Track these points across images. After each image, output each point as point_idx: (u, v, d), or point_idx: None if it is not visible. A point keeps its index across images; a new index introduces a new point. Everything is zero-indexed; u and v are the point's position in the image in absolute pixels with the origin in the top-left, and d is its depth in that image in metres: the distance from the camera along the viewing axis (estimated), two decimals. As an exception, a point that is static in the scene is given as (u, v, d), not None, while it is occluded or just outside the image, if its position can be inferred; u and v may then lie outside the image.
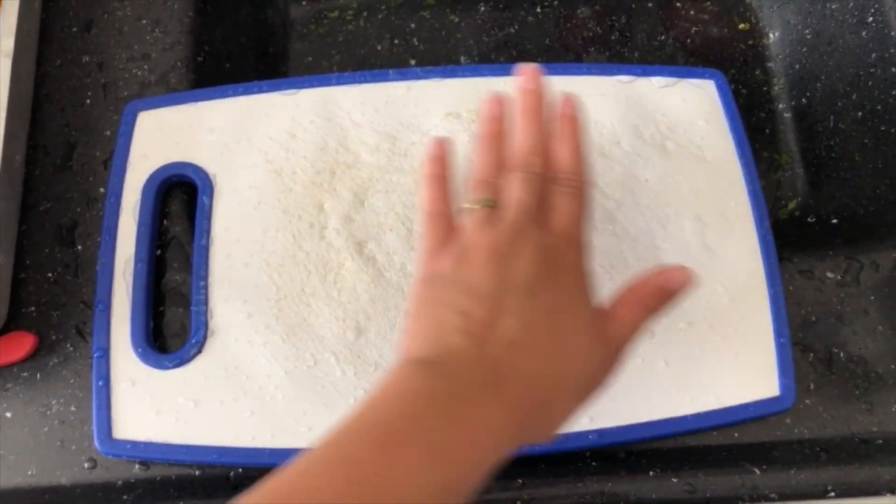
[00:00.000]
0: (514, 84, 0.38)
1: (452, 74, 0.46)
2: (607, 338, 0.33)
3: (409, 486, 0.27)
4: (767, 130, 0.56)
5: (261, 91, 0.45)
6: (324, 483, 0.26)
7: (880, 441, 0.39)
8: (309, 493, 0.26)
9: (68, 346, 0.41)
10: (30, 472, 0.39)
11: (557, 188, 0.36)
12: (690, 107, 0.46)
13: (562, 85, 0.46)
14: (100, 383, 0.39)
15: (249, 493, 0.26)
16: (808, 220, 0.51)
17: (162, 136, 0.44)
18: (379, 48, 0.58)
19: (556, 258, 0.34)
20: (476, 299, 0.32)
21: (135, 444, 0.38)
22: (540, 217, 0.35)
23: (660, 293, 0.35)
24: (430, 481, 0.27)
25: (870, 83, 0.50)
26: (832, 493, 0.37)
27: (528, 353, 0.31)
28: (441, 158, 0.38)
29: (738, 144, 0.45)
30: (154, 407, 0.38)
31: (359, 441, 0.28)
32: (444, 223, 0.36)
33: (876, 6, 0.50)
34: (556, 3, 0.59)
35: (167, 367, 0.39)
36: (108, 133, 0.46)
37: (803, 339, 0.42)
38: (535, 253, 0.33)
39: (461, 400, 0.29)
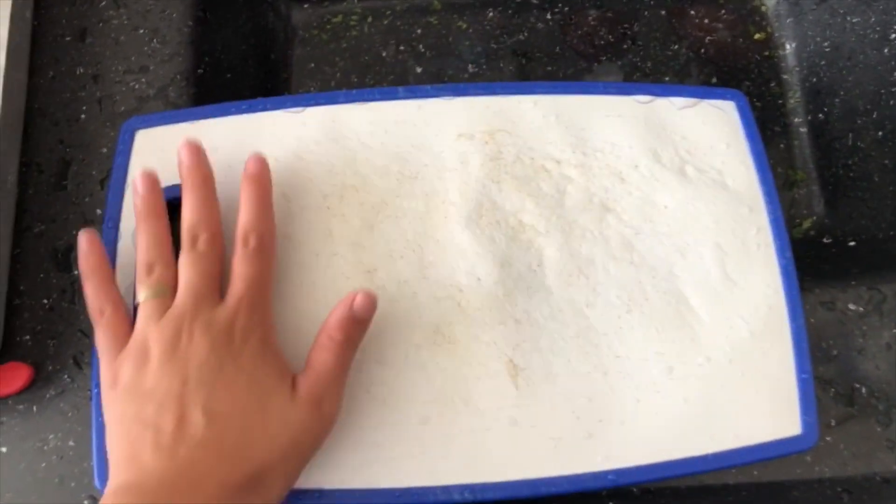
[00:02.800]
0: (178, 157, 0.39)
1: (464, 93, 0.45)
2: (301, 394, 0.35)
3: None
4: (782, 145, 0.55)
5: (264, 109, 0.43)
6: None
7: (903, 483, 0.39)
8: None
9: (66, 377, 0.40)
10: (27, 511, 0.38)
11: (240, 251, 0.37)
12: (710, 129, 0.44)
13: (579, 105, 0.44)
14: (100, 419, 0.37)
15: None
16: (825, 240, 0.50)
17: (161, 156, 0.42)
18: (384, 54, 0.56)
19: (231, 332, 0.35)
20: (161, 407, 0.33)
21: (138, 489, 0.36)
22: (215, 292, 0.36)
23: (343, 323, 0.36)
24: None
25: (891, 102, 0.48)
26: (854, 538, 0.37)
27: (219, 443, 0.32)
28: (92, 251, 0.37)
29: (760, 170, 0.44)
30: (157, 449, 0.37)
31: None
32: (115, 322, 0.36)
33: (899, 22, 0.48)
34: (566, 9, 0.57)
35: (171, 407, 0.37)
36: (105, 150, 0.44)
37: (824, 373, 0.41)
38: (208, 335, 0.34)
39: None
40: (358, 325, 0.36)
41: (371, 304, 0.37)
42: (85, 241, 0.37)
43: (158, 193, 0.38)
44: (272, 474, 0.33)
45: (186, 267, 0.36)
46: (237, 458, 0.32)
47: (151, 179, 0.38)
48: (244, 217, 0.37)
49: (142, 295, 0.36)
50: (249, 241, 0.37)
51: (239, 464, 0.32)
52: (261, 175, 0.38)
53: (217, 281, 0.36)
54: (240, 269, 0.36)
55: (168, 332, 0.34)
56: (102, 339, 0.36)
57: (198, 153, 0.39)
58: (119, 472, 0.33)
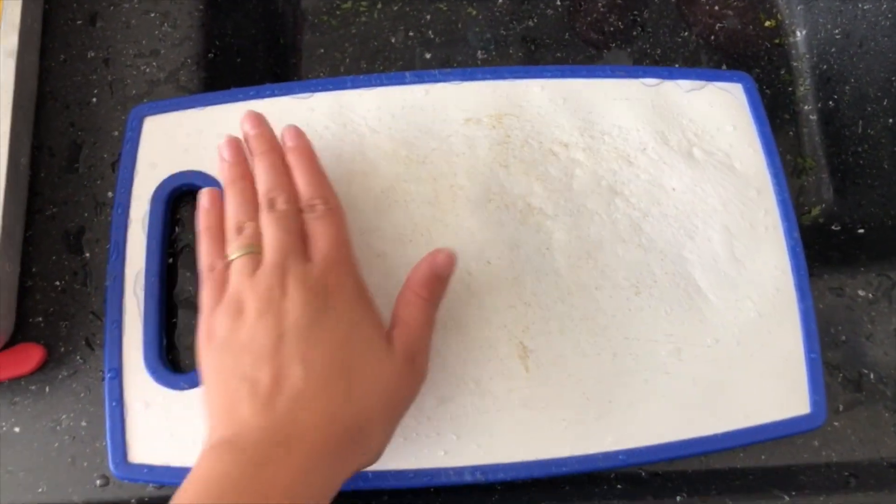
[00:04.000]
0: (242, 130, 0.39)
1: (472, 77, 0.45)
2: (396, 348, 0.34)
3: None
4: (791, 133, 0.55)
5: (272, 95, 0.43)
6: None
7: (911, 466, 0.39)
8: None
9: (78, 358, 0.40)
10: (40, 490, 0.38)
11: (309, 216, 0.36)
12: (718, 112, 0.44)
13: (585, 88, 0.44)
14: (113, 405, 0.37)
15: None
16: (833, 228, 0.50)
17: (170, 142, 0.42)
18: (393, 40, 0.56)
19: (325, 287, 0.34)
20: (258, 359, 0.32)
21: (151, 468, 0.37)
22: (302, 250, 0.35)
23: (428, 281, 0.36)
24: None
25: (902, 89, 0.48)
26: (862, 521, 0.37)
27: (318, 395, 0.32)
28: (213, 209, 0.38)
29: (767, 152, 0.44)
30: (169, 429, 0.37)
31: None
32: (223, 279, 0.36)
33: (910, 8, 0.48)
34: (576, -5, 0.57)
35: (182, 388, 0.38)
36: (116, 134, 0.44)
37: (832, 358, 0.41)
38: (302, 289, 0.33)
39: (257, 471, 0.29)
40: (441, 282, 0.36)
41: (452, 262, 0.36)
42: (206, 199, 0.38)
43: (244, 159, 0.38)
44: (371, 427, 0.33)
45: (270, 226, 0.35)
46: (336, 412, 0.32)
47: (236, 146, 0.39)
48: (302, 188, 0.37)
49: (234, 254, 0.35)
50: (316, 207, 0.36)
51: (338, 417, 0.31)
52: (301, 144, 0.39)
53: (302, 238, 0.36)
54: (317, 231, 0.36)
55: (262, 287, 0.34)
56: (206, 294, 0.36)
57: (260, 121, 0.39)
58: (217, 425, 0.32)
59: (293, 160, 0.38)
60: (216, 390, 0.33)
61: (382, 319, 0.35)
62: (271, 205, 0.36)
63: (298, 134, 0.39)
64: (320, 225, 0.36)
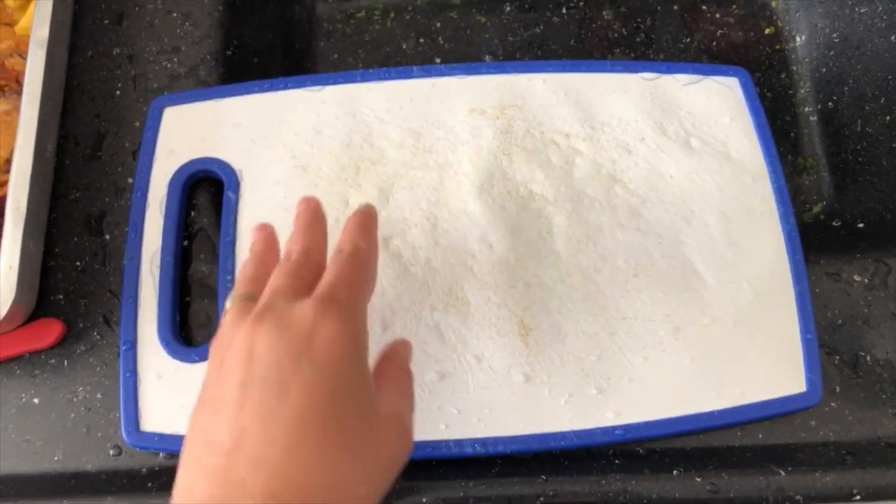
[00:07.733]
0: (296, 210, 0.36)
1: (476, 71, 0.47)
2: (381, 413, 0.30)
3: None
4: (792, 134, 0.56)
5: (286, 87, 0.46)
6: None
7: (907, 445, 0.39)
8: None
9: (95, 334, 0.42)
10: (56, 458, 0.40)
11: (331, 261, 0.32)
12: (715, 104, 0.46)
13: (586, 82, 0.46)
14: (127, 375, 0.39)
15: None
16: (834, 224, 0.50)
17: (188, 131, 0.44)
18: (404, 47, 0.58)
19: (310, 328, 0.28)
20: (220, 418, 0.27)
21: (162, 436, 0.38)
22: (301, 292, 0.30)
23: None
24: None
25: (898, 87, 0.49)
26: (857, 497, 0.37)
27: (280, 462, 0.26)
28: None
29: (763, 141, 0.45)
30: (180, 400, 0.39)
31: None
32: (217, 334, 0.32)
33: (905, 10, 0.50)
34: (581, 4, 0.59)
35: (194, 361, 0.39)
36: (137, 124, 0.46)
37: (829, 341, 0.42)
38: (276, 330, 0.28)
39: None
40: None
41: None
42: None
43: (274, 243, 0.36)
44: (349, 498, 0.28)
45: (274, 276, 0.32)
46: (304, 482, 0.26)
47: (269, 234, 0.36)
48: (343, 236, 0.34)
49: (231, 300, 0.32)
50: (343, 249, 0.33)
51: (309, 490, 0.26)
52: (368, 213, 0.35)
53: (310, 286, 0.31)
54: (330, 271, 0.32)
55: (241, 333, 0.30)
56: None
57: (316, 210, 0.35)
58: (177, 494, 0.27)
59: (351, 219, 0.35)
60: (186, 454, 0.28)
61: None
62: (286, 257, 0.33)
63: (370, 214, 0.35)
64: (337, 265, 0.31)
